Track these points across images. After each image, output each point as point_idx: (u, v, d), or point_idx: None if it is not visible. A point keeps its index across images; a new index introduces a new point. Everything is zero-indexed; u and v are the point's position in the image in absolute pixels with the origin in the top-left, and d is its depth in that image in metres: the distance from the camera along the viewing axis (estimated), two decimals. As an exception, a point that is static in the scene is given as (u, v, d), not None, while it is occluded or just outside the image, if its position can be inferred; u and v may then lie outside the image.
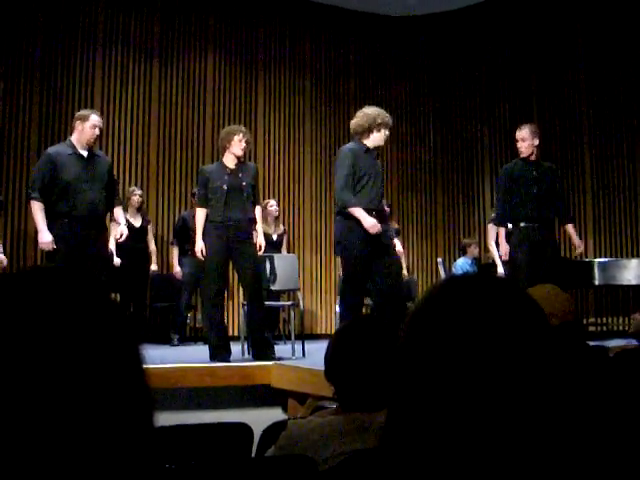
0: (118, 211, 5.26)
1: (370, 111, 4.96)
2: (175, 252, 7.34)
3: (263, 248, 5.43)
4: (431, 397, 0.71)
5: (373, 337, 1.77)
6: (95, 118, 5.04)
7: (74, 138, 5.00)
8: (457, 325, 0.72)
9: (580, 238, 9.09)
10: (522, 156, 5.48)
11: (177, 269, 7.27)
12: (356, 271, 4.75)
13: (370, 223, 4.69)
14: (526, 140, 5.46)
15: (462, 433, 0.69)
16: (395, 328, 1.79)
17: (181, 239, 7.27)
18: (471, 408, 0.69)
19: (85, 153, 4.99)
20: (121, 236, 5.16)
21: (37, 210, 4.83)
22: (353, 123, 5.00)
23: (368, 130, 4.90)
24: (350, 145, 5.02)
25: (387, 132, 4.94)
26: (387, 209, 5.56)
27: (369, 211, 4.80)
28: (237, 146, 5.26)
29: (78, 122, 5.02)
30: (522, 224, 5.36)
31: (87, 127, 4.97)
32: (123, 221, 5.23)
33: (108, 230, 5.31)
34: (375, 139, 4.91)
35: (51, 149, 5.15)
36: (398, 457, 0.72)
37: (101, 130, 5.09)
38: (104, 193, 5.00)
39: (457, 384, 0.69)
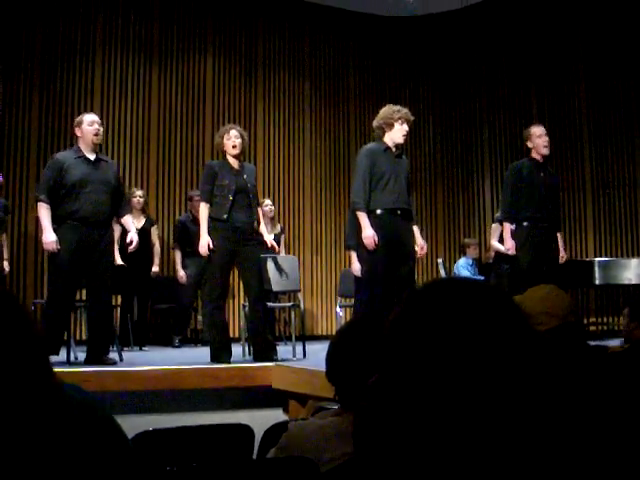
0: (128, 218, 5.30)
1: (383, 109, 4.97)
2: (178, 256, 7.33)
3: (277, 247, 5.50)
4: (411, 397, 0.71)
5: (374, 338, 1.76)
6: (89, 116, 5.15)
7: (80, 144, 5.09)
8: (435, 328, 0.72)
9: (580, 237, 9.15)
10: (544, 152, 5.46)
11: (181, 273, 7.26)
12: (376, 271, 4.73)
13: (366, 234, 4.68)
14: (544, 136, 5.47)
15: (442, 433, 0.69)
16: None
17: (182, 243, 7.27)
18: (449, 409, 0.69)
19: (92, 157, 5.06)
20: (131, 243, 5.16)
21: (43, 211, 4.91)
22: (373, 124, 5.03)
23: (382, 129, 4.90)
24: (369, 145, 5.03)
25: (405, 127, 4.88)
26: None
27: (394, 211, 4.80)
28: (228, 146, 5.22)
29: (76, 129, 5.13)
30: (525, 224, 5.36)
31: (84, 127, 5.05)
32: (133, 229, 5.25)
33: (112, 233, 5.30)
34: (392, 136, 4.89)
35: (58, 154, 5.30)
36: (375, 460, 0.72)
37: (100, 126, 5.12)
38: (109, 197, 5.03)
39: (435, 386, 0.70)
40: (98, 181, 4.98)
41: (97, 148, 5.16)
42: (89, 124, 5.03)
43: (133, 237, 5.17)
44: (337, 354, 1.80)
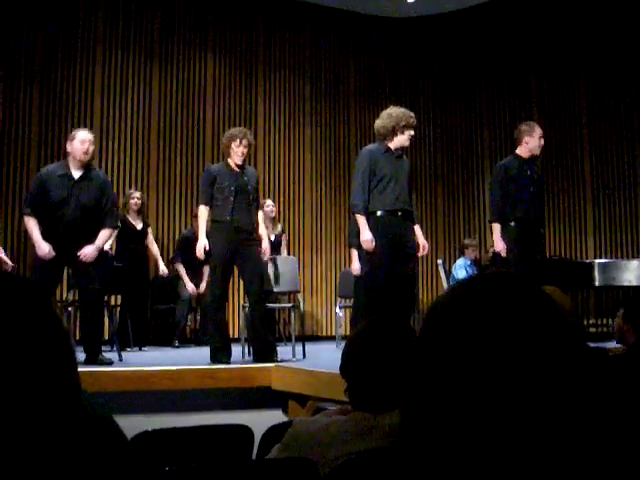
0: (104, 233, 5.09)
1: (395, 113, 4.90)
2: (182, 270, 7.27)
3: (268, 253, 5.39)
4: (448, 397, 0.70)
5: (392, 338, 1.78)
6: (82, 134, 5.08)
7: (69, 158, 5.09)
8: (477, 326, 0.71)
9: (580, 238, 9.15)
10: (537, 153, 5.45)
11: (190, 285, 7.20)
12: (376, 272, 4.72)
13: (364, 237, 4.68)
14: (542, 138, 5.46)
15: (478, 435, 0.68)
16: (410, 332, 1.81)
17: (185, 257, 7.16)
18: (489, 408, 0.68)
19: (78, 174, 5.04)
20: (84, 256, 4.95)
21: (30, 225, 4.98)
22: (377, 124, 4.95)
23: (392, 132, 4.86)
24: (370, 146, 4.99)
25: (411, 133, 4.88)
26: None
27: (394, 212, 4.79)
28: (235, 154, 5.19)
29: (68, 143, 5.11)
30: (512, 224, 5.30)
31: (75, 144, 5.02)
32: (99, 243, 5.03)
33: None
34: (399, 140, 4.88)
35: (44, 169, 5.24)
36: (412, 457, 0.71)
37: (91, 145, 5.06)
38: (87, 217, 5.00)
39: (474, 384, 0.69)
40: (76, 203, 4.96)
41: (87, 164, 5.08)
42: (80, 142, 5.00)
43: (85, 250, 4.94)
44: (353, 350, 1.82)
